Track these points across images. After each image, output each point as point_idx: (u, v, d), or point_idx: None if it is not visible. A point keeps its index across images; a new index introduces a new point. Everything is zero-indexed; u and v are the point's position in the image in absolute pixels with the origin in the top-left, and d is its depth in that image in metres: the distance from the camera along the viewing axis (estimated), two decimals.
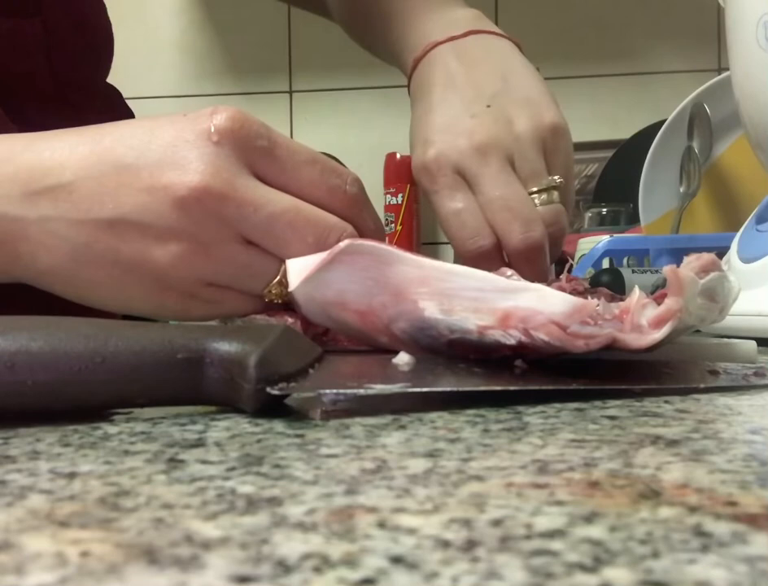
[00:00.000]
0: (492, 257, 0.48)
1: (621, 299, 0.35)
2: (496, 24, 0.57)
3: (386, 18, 0.60)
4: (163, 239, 0.35)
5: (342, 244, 0.33)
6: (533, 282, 0.32)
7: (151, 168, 0.35)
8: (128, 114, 0.62)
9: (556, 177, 0.51)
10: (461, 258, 0.49)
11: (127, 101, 0.62)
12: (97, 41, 0.61)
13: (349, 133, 1.40)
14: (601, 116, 1.36)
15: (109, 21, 0.61)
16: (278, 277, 0.37)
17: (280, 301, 0.37)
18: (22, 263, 0.37)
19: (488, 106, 0.51)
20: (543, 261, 0.49)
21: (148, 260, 0.36)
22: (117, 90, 0.63)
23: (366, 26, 0.63)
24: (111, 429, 0.24)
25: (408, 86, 0.57)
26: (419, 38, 0.56)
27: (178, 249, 0.35)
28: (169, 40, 1.43)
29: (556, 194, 0.50)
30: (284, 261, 0.36)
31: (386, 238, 0.46)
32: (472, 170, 0.49)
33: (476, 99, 0.51)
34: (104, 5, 0.61)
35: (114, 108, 0.61)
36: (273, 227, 0.36)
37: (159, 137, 0.36)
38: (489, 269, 0.33)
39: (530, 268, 0.47)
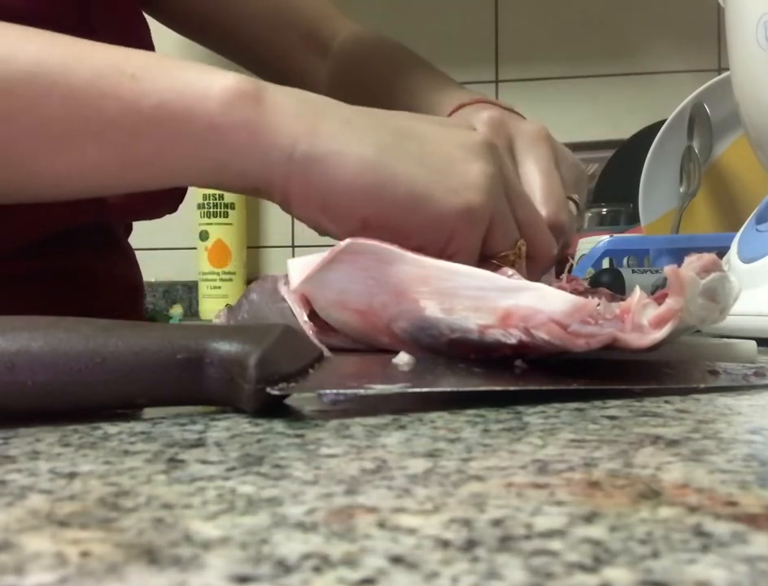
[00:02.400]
0: None
1: (622, 299, 0.35)
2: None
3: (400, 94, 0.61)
4: (465, 158, 0.39)
5: (342, 243, 0.33)
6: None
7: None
8: None
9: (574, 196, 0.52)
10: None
11: None
12: None
13: None
14: (601, 116, 1.35)
15: (152, 43, 0.62)
16: (516, 247, 0.40)
17: (510, 267, 0.39)
18: (318, 140, 0.37)
19: None
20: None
21: (455, 166, 0.38)
22: None
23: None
24: (111, 429, 0.24)
25: None
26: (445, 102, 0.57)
27: (480, 165, 0.38)
28: (172, 39, 1.42)
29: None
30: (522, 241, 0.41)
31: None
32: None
33: None
34: (147, 26, 0.62)
35: None
36: (528, 202, 0.42)
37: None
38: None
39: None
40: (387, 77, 0.63)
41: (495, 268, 0.37)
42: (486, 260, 0.39)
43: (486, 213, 0.38)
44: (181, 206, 0.63)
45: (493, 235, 0.39)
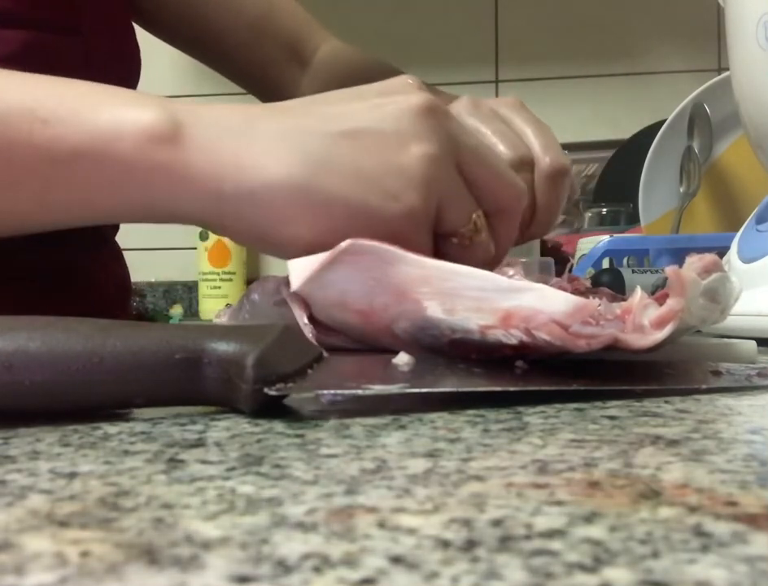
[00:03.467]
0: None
1: (623, 300, 0.35)
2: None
3: None
4: (403, 143, 0.36)
5: (343, 244, 0.33)
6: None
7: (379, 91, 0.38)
8: None
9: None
10: None
11: None
12: (132, 69, 0.62)
13: None
14: (601, 116, 1.36)
15: (138, 48, 0.62)
16: (474, 219, 0.38)
17: (468, 243, 0.38)
18: (244, 175, 0.36)
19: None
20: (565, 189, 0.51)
21: (391, 163, 0.36)
22: None
23: None
24: (111, 429, 0.24)
25: None
26: None
27: (419, 149, 0.36)
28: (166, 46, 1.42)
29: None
30: (479, 208, 0.38)
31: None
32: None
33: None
34: (134, 31, 0.62)
35: None
36: (482, 157, 0.38)
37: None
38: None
39: (554, 191, 0.49)
40: None
41: (458, 249, 0.37)
42: (444, 240, 0.38)
43: (429, 207, 0.36)
44: None
45: (445, 217, 0.37)
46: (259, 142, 0.36)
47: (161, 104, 0.36)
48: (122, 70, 0.60)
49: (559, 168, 0.49)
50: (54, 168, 0.36)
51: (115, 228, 0.67)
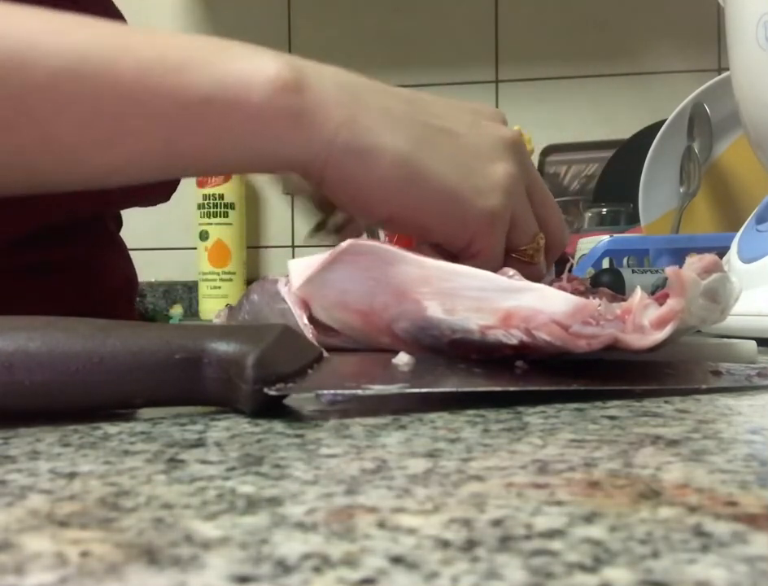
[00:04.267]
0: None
1: (623, 300, 0.35)
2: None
3: None
4: (492, 158, 0.40)
5: (343, 244, 0.33)
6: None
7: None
8: None
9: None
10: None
11: None
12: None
13: None
14: (601, 116, 1.35)
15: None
16: (535, 241, 0.42)
17: (528, 260, 0.42)
18: (356, 132, 0.38)
19: None
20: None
21: (482, 168, 0.40)
22: None
23: None
24: (111, 429, 0.24)
25: None
26: None
27: (504, 166, 0.40)
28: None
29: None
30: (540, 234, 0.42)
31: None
32: None
33: None
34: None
35: None
36: (545, 192, 0.43)
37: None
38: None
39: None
40: None
41: (517, 263, 0.40)
42: (507, 254, 0.41)
43: (507, 215, 0.40)
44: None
45: (514, 232, 0.41)
46: (370, 109, 0.39)
47: (282, 56, 0.39)
48: None
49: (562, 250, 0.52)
50: (185, 114, 0.37)
51: (119, 224, 0.67)
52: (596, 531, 0.14)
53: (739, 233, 0.59)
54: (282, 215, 1.44)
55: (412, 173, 0.38)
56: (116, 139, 0.38)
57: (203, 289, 1.38)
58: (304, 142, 0.38)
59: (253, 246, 1.45)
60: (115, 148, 0.38)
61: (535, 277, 0.41)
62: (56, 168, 0.39)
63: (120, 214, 0.66)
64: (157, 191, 0.61)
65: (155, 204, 0.64)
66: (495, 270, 0.37)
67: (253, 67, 0.38)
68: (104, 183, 0.41)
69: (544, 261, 0.43)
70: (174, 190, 0.63)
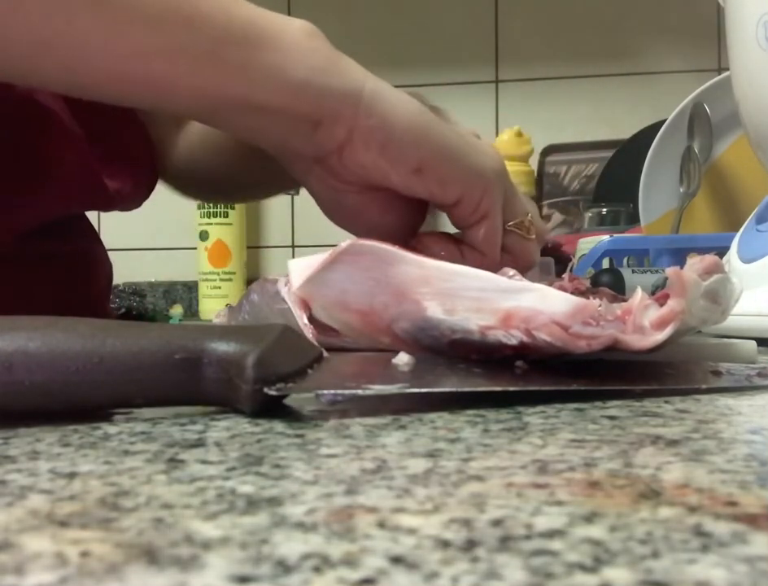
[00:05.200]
0: None
1: (623, 300, 0.35)
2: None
3: None
4: (484, 148, 0.43)
5: (343, 244, 0.33)
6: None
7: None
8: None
9: None
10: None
11: None
12: None
13: None
14: (601, 116, 1.35)
15: None
16: (528, 217, 0.45)
17: (526, 234, 0.44)
18: (383, 85, 0.41)
19: None
20: None
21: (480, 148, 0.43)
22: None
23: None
24: (111, 429, 0.24)
25: None
26: None
27: (495, 153, 0.44)
28: None
29: None
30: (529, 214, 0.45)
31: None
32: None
33: None
34: None
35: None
36: (519, 195, 0.45)
37: None
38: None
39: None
40: None
41: (515, 236, 0.43)
42: (504, 228, 0.43)
43: (504, 181, 0.43)
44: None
45: (507, 207, 0.43)
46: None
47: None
48: None
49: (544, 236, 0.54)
50: (229, 27, 0.38)
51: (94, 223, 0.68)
52: (596, 531, 0.15)
53: (739, 234, 0.59)
54: (282, 215, 1.44)
55: (430, 124, 0.41)
56: (132, 28, 0.36)
57: (203, 289, 1.38)
58: (340, 78, 0.39)
59: (253, 246, 1.45)
60: (129, 37, 0.36)
61: (532, 254, 0.46)
62: (67, 55, 0.37)
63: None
64: (138, 197, 0.63)
65: (137, 207, 0.64)
66: (497, 242, 0.43)
67: (285, 19, 0.40)
68: (114, 84, 0.39)
69: (536, 244, 0.45)
70: (147, 196, 0.64)
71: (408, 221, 0.45)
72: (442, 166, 0.41)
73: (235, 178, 0.64)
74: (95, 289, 0.63)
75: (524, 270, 0.43)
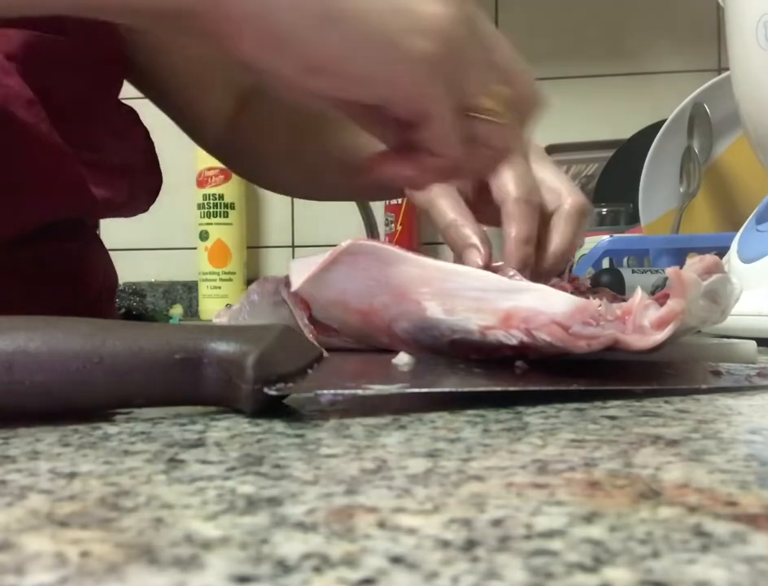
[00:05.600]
0: None
1: (624, 300, 0.35)
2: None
3: None
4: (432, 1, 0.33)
5: (343, 244, 0.33)
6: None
7: None
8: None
9: None
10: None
11: (129, 100, 0.63)
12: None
13: None
14: (601, 116, 1.35)
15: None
16: (496, 95, 0.35)
17: (492, 120, 0.35)
18: None
19: None
20: None
21: (414, 3, 0.33)
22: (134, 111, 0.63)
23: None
24: (111, 429, 0.24)
25: None
26: None
27: (444, 8, 0.33)
28: None
29: None
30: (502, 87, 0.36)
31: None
32: None
33: None
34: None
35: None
36: (499, 44, 0.37)
37: None
38: None
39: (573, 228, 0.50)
40: (318, 116, 0.61)
41: (483, 125, 0.35)
42: (467, 116, 0.35)
43: (447, 62, 0.33)
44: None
45: (465, 83, 0.34)
46: None
47: None
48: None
49: (582, 208, 0.49)
50: None
51: (96, 224, 0.68)
52: (596, 531, 0.14)
53: (739, 234, 0.59)
54: (282, 215, 1.44)
55: (329, 8, 0.31)
56: None
57: (203, 289, 1.38)
58: None
59: (253, 246, 1.45)
60: None
61: (511, 140, 0.37)
62: None
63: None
64: (141, 200, 0.62)
65: (136, 214, 0.64)
66: (453, 140, 0.33)
67: None
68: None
69: (514, 127, 0.36)
70: (154, 199, 0.64)
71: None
72: (339, 63, 0.32)
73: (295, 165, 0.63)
74: (88, 290, 0.63)
75: (500, 159, 0.36)
